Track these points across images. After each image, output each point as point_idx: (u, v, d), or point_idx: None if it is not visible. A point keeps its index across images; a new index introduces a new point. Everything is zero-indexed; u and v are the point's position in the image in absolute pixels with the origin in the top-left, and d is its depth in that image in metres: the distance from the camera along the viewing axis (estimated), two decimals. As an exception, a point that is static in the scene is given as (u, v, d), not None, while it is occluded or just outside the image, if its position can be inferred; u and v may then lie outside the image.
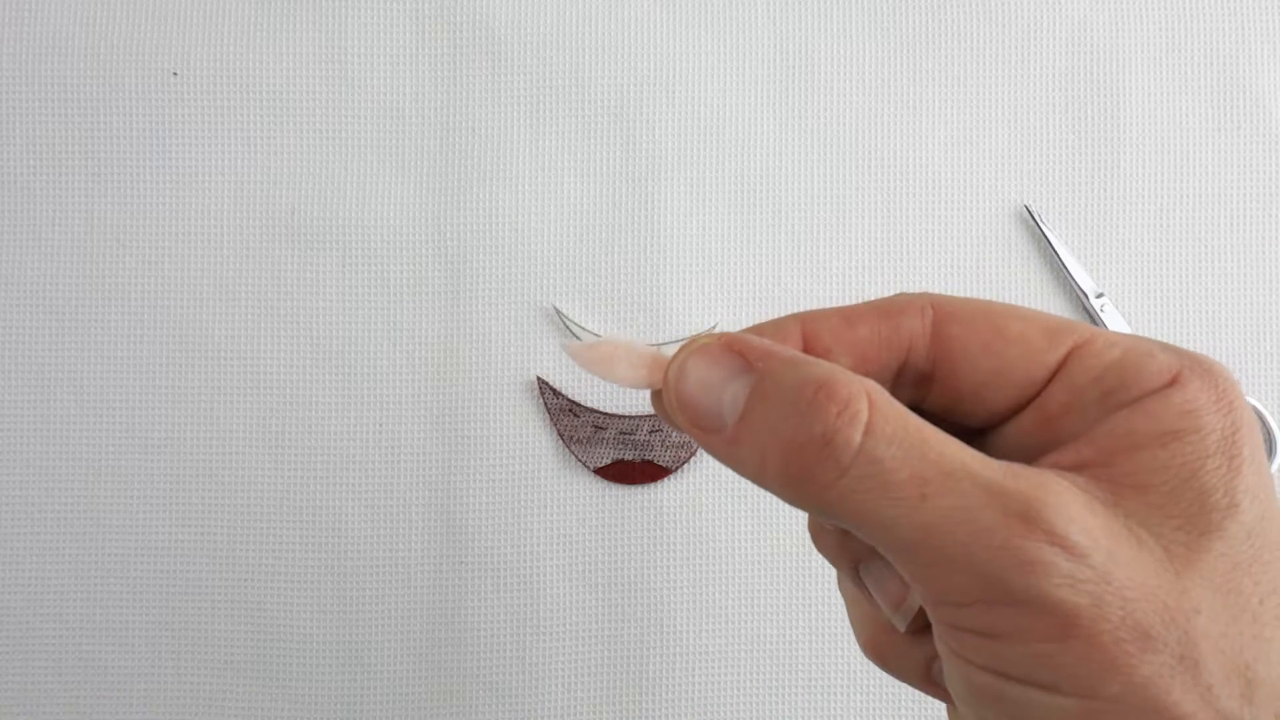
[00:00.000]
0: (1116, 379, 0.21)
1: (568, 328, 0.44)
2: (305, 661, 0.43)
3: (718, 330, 0.44)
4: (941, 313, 0.23)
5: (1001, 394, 0.22)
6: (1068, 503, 0.18)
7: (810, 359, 0.21)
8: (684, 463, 0.43)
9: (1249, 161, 0.45)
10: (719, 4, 0.46)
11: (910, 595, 0.24)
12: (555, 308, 0.44)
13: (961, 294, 0.47)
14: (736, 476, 0.44)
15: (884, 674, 0.43)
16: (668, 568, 0.43)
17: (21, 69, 0.45)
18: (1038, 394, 0.22)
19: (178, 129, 0.45)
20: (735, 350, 0.22)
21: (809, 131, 0.45)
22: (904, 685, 0.44)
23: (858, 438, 0.19)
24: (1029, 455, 0.21)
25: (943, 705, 0.24)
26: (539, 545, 0.43)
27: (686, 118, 0.45)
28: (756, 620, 0.43)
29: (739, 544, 0.44)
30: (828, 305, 0.44)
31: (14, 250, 0.45)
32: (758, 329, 0.24)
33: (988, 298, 0.46)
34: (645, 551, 0.43)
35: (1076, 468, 0.20)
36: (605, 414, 0.43)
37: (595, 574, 0.43)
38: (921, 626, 0.24)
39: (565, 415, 0.43)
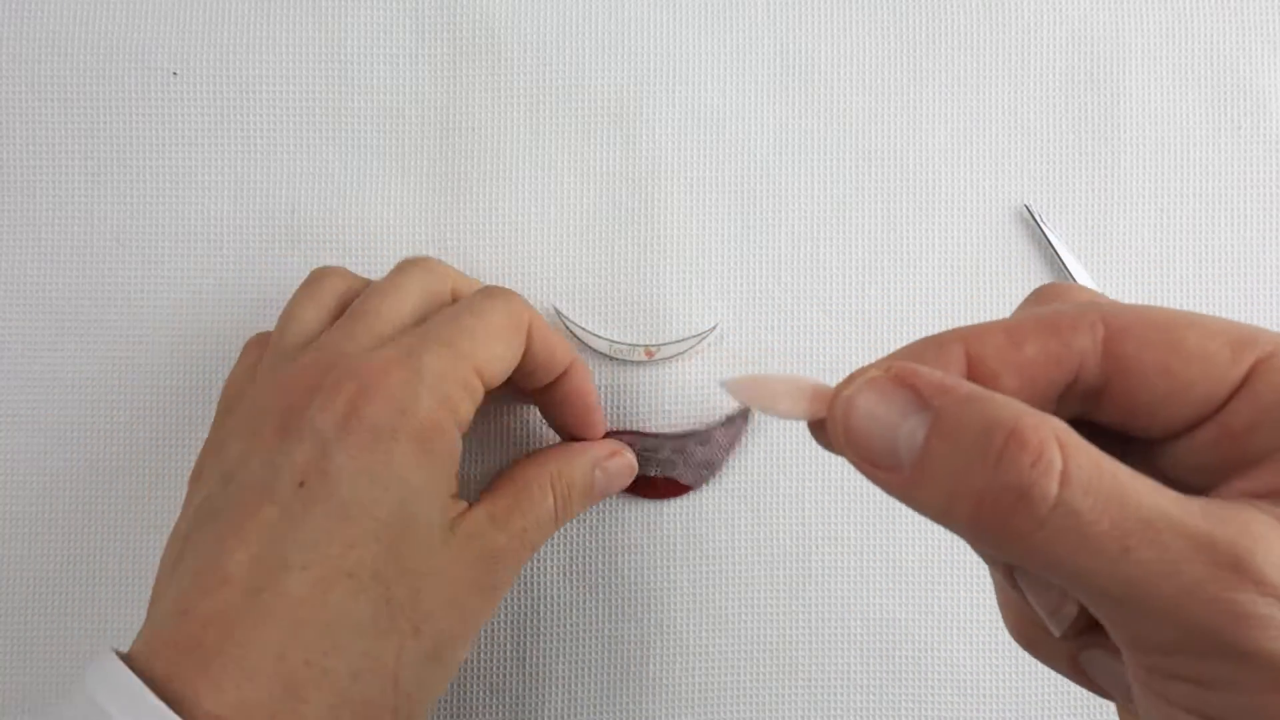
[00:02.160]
0: None
1: (568, 328, 0.44)
2: (305, 661, 0.43)
3: (717, 330, 0.44)
4: (1113, 327, 0.22)
5: (1180, 410, 0.21)
6: (1277, 547, 0.18)
7: (990, 395, 0.20)
8: (706, 481, 0.43)
9: (1249, 161, 0.45)
10: (719, 4, 0.46)
11: (1068, 603, 0.24)
12: (555, 308, 0.44)
13: (962, 294, 0.47)
14: (737, 477, 0.44)
15: (884, 674, 0.43)
16: (668, 568, 0.43)
17: (21, 69, 0.45)
18: (1219, 409, 0.21)
19: (178, 129, 0.45)
20: (907, 384, 0.21)
21: (809, 131, 0.45)
22: (904, 685, 0.44)
23: (1054, 489, 0.18)
24: (1211, 472, 0.21)
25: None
26: (538, 545, 0.43)
27: (686, 118, 0.45)
28: (756, 620, 0.43)
29: (739, 544, 0.44)
30: (831, 304, 0.44)
31: (14, 250, 0.45)
32: (917, 351, 0.23)
33: (988, 298, 0.46)
34: (645, 551, 0.43)
35: (1271, 494, 0.19)
36: (626, 432, 0.42)
37: (595, 574, 0.43)
38: (1080, 630, 0.24)
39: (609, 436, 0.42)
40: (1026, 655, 0.26)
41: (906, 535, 0.44)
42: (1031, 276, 0.45)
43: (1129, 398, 0.22)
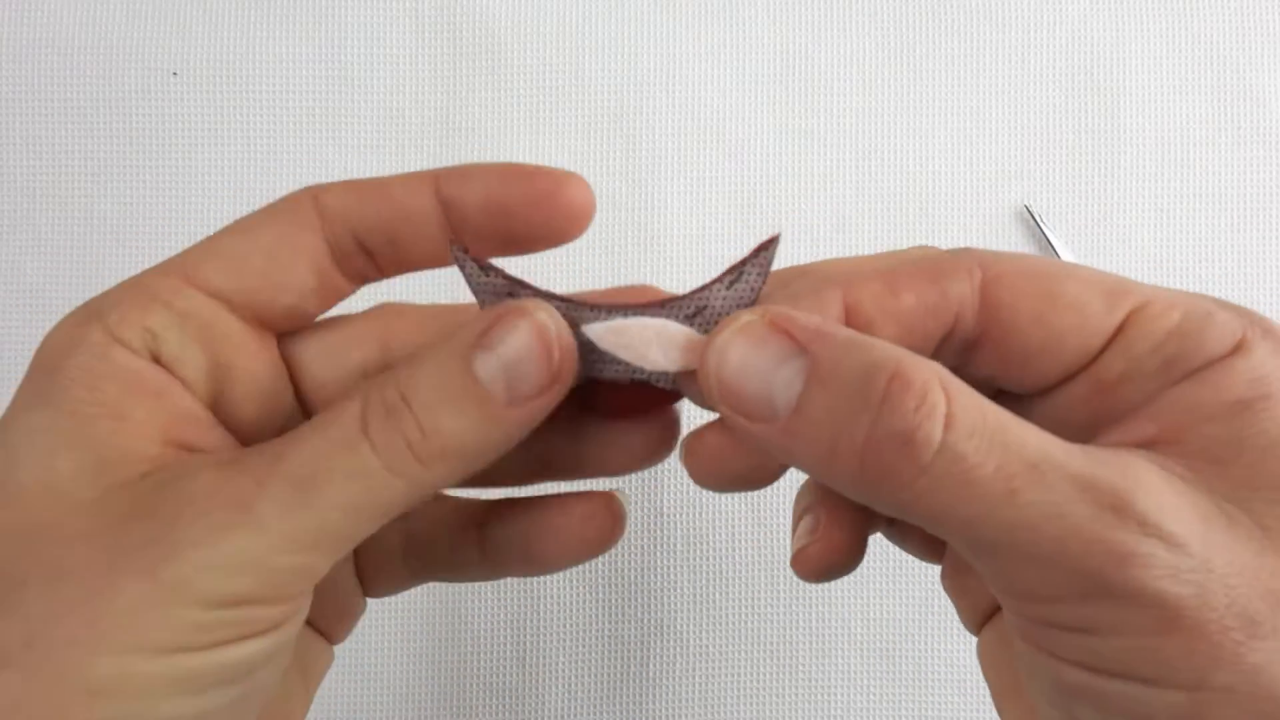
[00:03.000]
0: (1177, 347, 0.20)
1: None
2: (305, 661, 0.43)
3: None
4: (990, 274, 0.21)
5: (1054, 361, 0.21)
6: (1157, 488, 0.18)
7: (869, 340, 0.19)
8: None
9: (1249, 161, 0.45)
10: (719, 4, 0.46)
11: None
12: (555, 308, 0.44)
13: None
14: (736, 476, 0.44)
15: (884, 674, 0.43)
16: (668, 568, 0.43)
17: (21, 69, 0.45)
18: (1092, 361, 0.21)
19: (178, 129, 0.45)
20: (782, 329, 0.20)
21: (809, 131, 0.45)
22: (904, 685, 0.44)
23: (938, 433, 0.18)
24: (1084, 426, 0.20)
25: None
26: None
27: (686, 118, 0.45)
28: (756, 620, 0.43)
29: (739, 544, 0.44)
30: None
31: (14, 250, 0.45)
32: (793, 297, 0.22)
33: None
34: (645, 551, 0.43)
35: (1145, 444, 0.19)
36: (567, 299, 0.23)
37: (595, 574, 0.43)
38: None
39: (502, 300, 0.24)
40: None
41: (906, 535, 0.44)
42: (1031, 276, 0.45)
43: (1004, 348, 0.21)
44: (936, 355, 0.21)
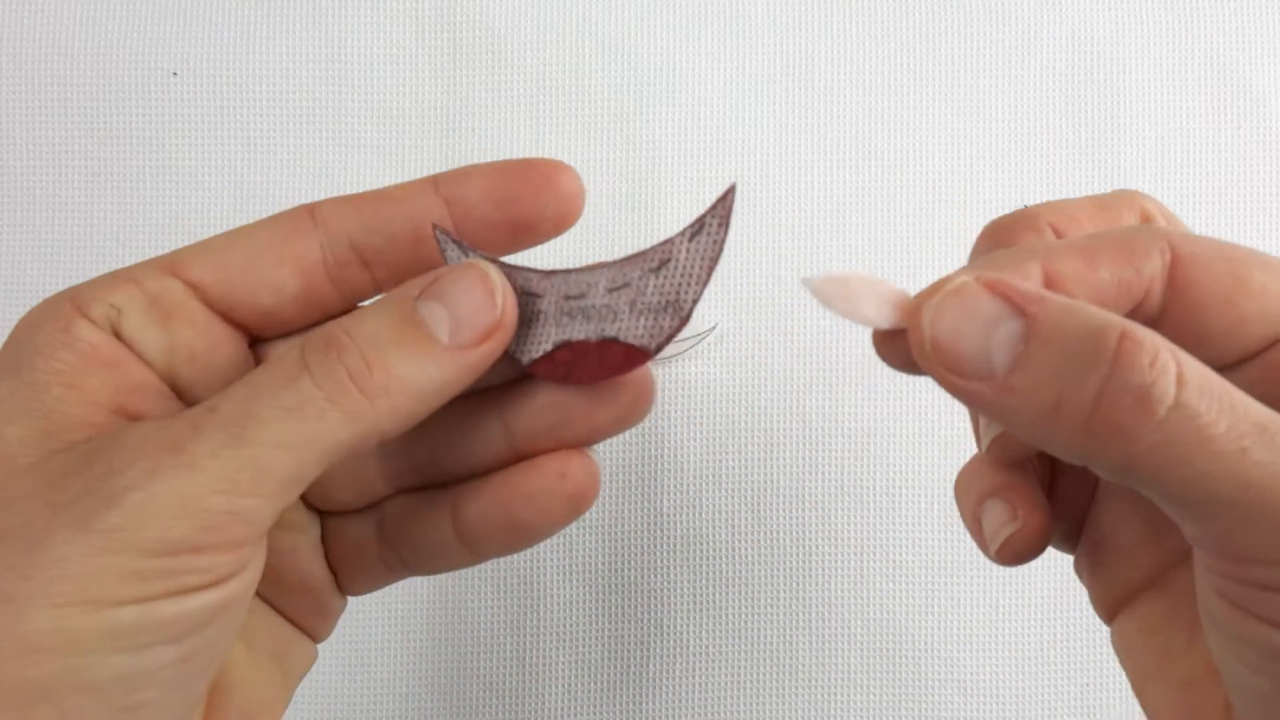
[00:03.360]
0: None
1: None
2: (305, 661, 0.43)
3: (717, 330, 0.44)
4: (1180, 254, 0.22)
5: (1234, 344, 0.22)
6: None
7: (1089, 306, 0.20)
8: (668, 337, 0.25)
9: (1249, 161, 0.45)
10: (719, 4, 0.46)
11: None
12: (555, 308, 0.44)
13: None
14: (737, 475, 0.44)
15: (884, 674, 0.43)
16: (667, 568, 0.43)
17: (21, 69, 0.45)
18: (1270, 347, 0.21)
19: (178, 129, 0.45)
20: (1000, 292, 0.20)
21: (809, 131, 0.45)
22: (904, 685, 0.44)
23: (1173, 389, 0.18)
24: None
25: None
26: (538, 545, 0.43)
27: (686, 118, 0.45)
28: (756, 620, 0.43)
29: (739, 544, 0.44)
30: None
31: (14, 250, 0.45)
32: (994, 265, 0.22)
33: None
34: (645, 551, 0.43)
35: None
36: (541, 272, 0.25)
37: (595, 574, 0.43)
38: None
39: None
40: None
41: (906, 535, 0.44)
42: (1031, 276, 0.45)
43: (1187, 327, 0.22)
44: None
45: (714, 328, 0.44)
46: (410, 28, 0.46)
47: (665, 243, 0.24)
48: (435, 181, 0.24)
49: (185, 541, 0.19)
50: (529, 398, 0.25)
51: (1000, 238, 0.25)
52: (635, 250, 0.24)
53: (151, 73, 0.45)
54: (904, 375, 0.24)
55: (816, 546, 0.44)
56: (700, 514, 0.44)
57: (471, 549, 0.26)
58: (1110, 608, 0.26)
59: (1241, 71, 0.46)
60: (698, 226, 0.24)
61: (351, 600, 0.30)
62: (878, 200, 0.45)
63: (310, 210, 0.24)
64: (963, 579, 0.43)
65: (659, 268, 0.24)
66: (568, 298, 0.25)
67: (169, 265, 0.24)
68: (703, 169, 0.45)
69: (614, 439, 0.44)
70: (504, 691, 0.43)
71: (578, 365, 0.24)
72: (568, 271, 0.24)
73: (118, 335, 0.23)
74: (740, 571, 0.44)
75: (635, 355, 0.24)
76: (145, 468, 0.19)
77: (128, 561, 0.19)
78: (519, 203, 0.24)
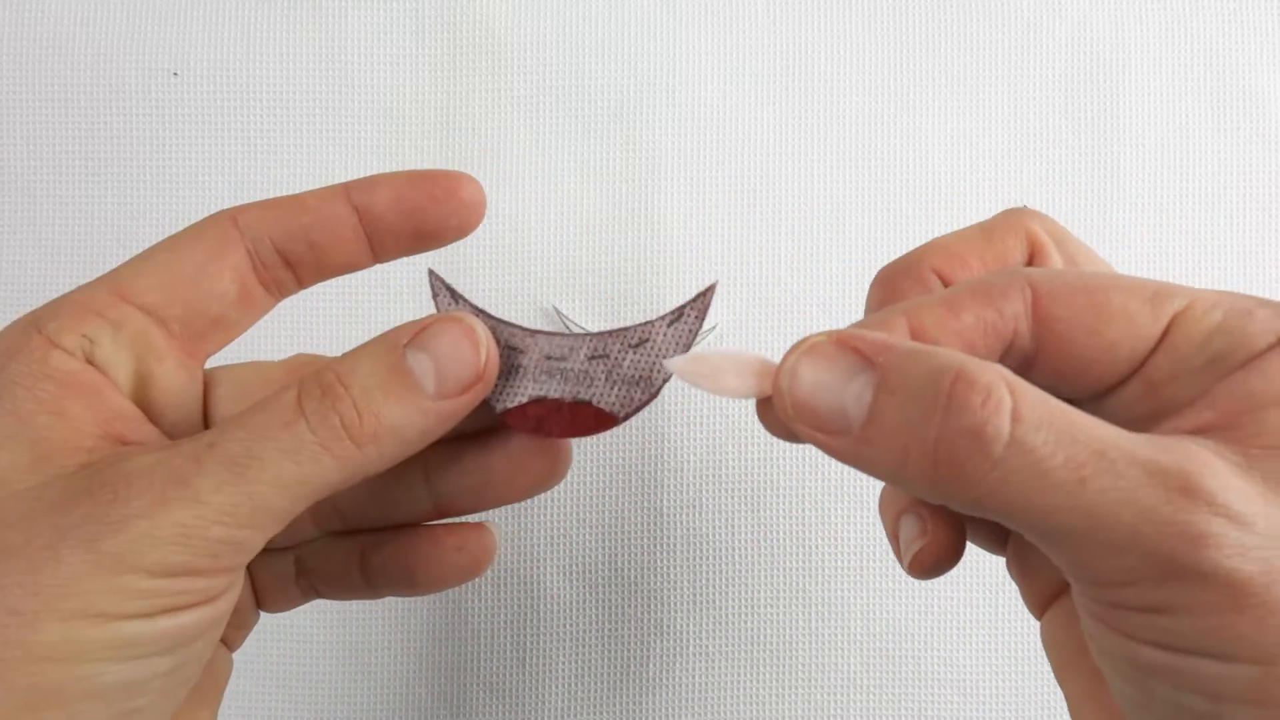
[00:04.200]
0: (1223, 343, 0.21)
1: (568, 328, 0.44)
2: (305, 661, 0.43)
3: (716, 332, 0.44)
4: (1040, 292, 0.22)
5: (1107, 368, 0.22)
6: (1222, 470, 0.18)
7: (931, 348, 0.20)
8: (638, 408, 0.27)
9: (1249, 161, 0.45)
10: (719, 4, 0.46)
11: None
12: (555, 308, 0.44)
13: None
14: (737, 475, 0.44)
15: (884, 674, 0.43)
16: (668, 568, 0.43)
17: (21, 69, 0.45)
18: (1142, 364, 0.22)
19: (178, 129, 0.45)
20: (849, 347, 0.21)
21: (809, 131, 0.45)
22: (904, 685, 0.44)
23: (1007, 426, 0.18)
24: (1138, 424, 0.21)
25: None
26: (538, 545, 0.44)
27: (686, 118, 0.45)
28: (756, 620, 0.43)
29: (739, 544, 0.44)
30: (831, 304, 0.44)
31: (14, 250, 0.45)
32: (860, 324, 0.23)
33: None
34: (645, 551, 0.43)
35: (1199, 432, 0.20)
36: (526, 329, 0.27)
37: (595, 574, 0.43)
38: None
39: None
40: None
41: (906, 535, 0.44)
42: (1031, 276, 0.45)
43: (1058, 360, 0.22)
44: None
45: (714, 328, 0.44)
46: (410, 28, 0.46)
47: (646, 324, 0.27)
48: (347, 189, 0.26)
49: (186, 565, 0.21)
50: (455, 461, 0.28)
51: (885, 291, 0.26)
52: (614, 326, 0.27)
53: (152, 73, 0.45)
54: None
55: (816, 546, 0.44)
56: (700, 514, 0.44)
57: (374, 591, 0.29)
58: (1039, 605, 0.27)
59: (1241, 72, 0.46)
60: (677, 314, 0.27)
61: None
62: (878, 200, 0.45)
63: (233, 218, 0.25)
64: (963, 579, 0.44)
65: (638, 345, 0.27)
66: (549, 358, 0.27)
67: (119, 290, 0.25)
68: (703, 169, 0.45)
69: (614, 439, 0.44)
70: (504, 691, 0.43)
71: (550, 420, 0.27)
72: (551, 334, 0.27)
73: (90, 362, 0.24)
74: (740, 571, 0.44)
75: (605, 420, 0.27)
76: (153, 499, 0.21)
77: (132, 581, 0.21)
78: (423, 213, 0.26)
